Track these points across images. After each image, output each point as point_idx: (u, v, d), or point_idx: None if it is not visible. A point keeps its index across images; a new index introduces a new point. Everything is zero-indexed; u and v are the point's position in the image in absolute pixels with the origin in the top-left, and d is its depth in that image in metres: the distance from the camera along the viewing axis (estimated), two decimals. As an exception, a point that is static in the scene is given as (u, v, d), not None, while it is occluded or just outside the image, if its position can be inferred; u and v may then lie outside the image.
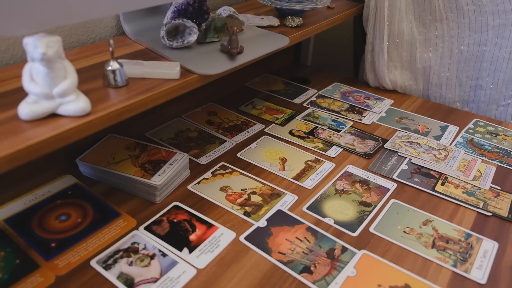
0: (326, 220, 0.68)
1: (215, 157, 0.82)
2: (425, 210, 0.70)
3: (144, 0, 0.56)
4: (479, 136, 0.92)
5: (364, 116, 0.99)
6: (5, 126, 0.47)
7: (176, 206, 0.69)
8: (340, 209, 0.70)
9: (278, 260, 0.60)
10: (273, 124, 0.94)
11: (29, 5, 0.41)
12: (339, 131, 0.92)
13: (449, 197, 0.73)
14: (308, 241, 0.63)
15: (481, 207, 0.71)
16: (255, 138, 0.89)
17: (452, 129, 0.95)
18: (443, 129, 0.95)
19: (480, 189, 0.75)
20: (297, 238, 0.64)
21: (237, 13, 0.80)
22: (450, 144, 0.89)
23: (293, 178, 0.77)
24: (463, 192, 0.74)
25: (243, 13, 0.92)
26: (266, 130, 0.92)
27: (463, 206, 0.71)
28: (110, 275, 0.56)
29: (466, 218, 0.69)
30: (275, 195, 0.72)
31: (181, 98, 0.69)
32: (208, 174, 0.77)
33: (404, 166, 0.81)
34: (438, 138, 0.91)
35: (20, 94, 0.51)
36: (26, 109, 0.47)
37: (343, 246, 0.62)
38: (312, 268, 0.59)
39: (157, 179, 0.68)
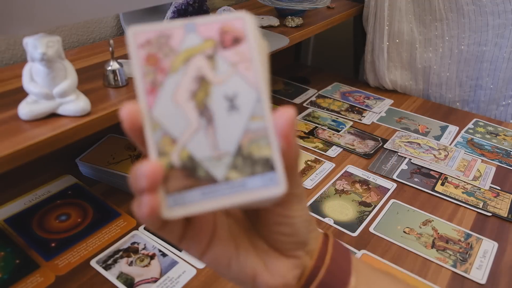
0: (326, 220, 0.68)
1: (215, 157, 0.82)
2: (425, 210, 0.70)
3: (144, 0, 0.56)
4: (479, 136, 0.92)
5: (364, 116, 0.99)
6: (5, 126, 0.47)
7: (176, 206, 0.69)
8: (340, 209, 0.70)
9: (278, 260, 0.60)
10: (273, 124, 0.94)
11: (29, 5, 0.41)
12: (339, 131, 0.92)
13: (449, 197, 0.73)
14: (308, 241, 0.63)
15: (481, 207, 0.71)
16: (255, 138, 0.89)
17: (452, 129, 0.95)
18: (443, 129, 0.95)
19: (480, 189, 0.75)
20: (297, 238, 0.64)
21: (237, 13, 0.80)
22: (450, 144, 0.89)
23: (293, 178, 0.77)
24: (463, 192, 0.74)
25: (243, 13, 0.92)
26: (266, 130, 0.92)
27: (463, 206, 0.71)
28: (110, 275, 0.56)
29: (466, 218, 0.69)
30: (275, 195, 0.72)
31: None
32: (208, 174, 0.77)
33: (404, 166, 0.81)
34: (438, 138, 0.91)
35: (20, 94, 0.51)
36: (26, 109, 0.47)
37: (343, 246, 0.62)
38: (312, 268, 0.59)
39: (157, 179, 0.68)
